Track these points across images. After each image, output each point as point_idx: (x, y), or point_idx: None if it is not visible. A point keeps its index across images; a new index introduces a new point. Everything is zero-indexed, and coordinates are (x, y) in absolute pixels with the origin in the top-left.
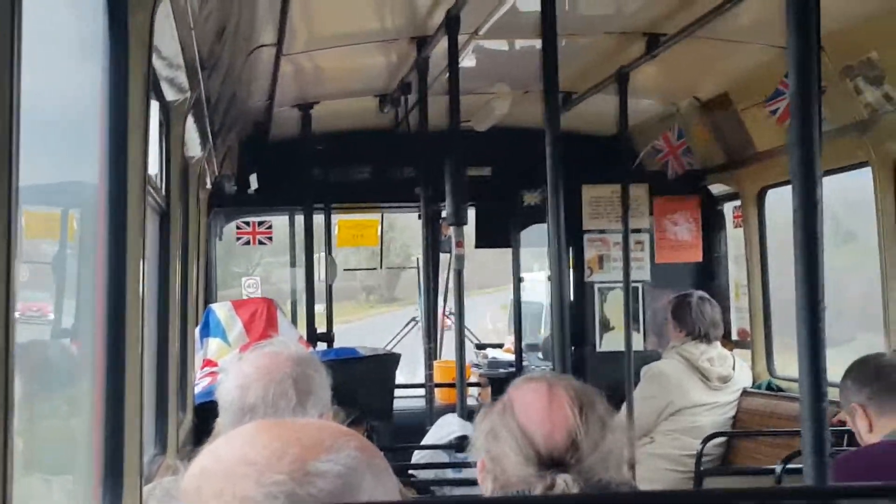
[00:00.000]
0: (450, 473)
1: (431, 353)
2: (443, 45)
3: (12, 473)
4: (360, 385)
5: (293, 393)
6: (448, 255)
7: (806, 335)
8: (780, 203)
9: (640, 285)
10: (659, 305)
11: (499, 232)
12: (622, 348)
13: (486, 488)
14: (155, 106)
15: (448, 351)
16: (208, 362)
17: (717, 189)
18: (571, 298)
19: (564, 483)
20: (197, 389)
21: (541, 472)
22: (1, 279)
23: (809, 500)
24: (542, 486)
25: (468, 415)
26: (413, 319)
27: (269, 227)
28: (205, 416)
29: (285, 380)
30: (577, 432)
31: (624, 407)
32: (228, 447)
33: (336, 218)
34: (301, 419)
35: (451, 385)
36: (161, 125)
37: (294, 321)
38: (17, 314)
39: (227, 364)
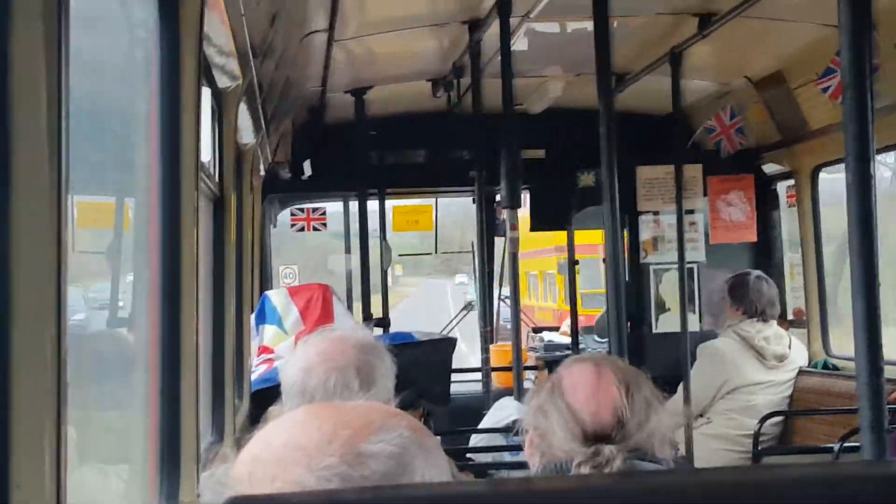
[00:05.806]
0: (507, 457)
1: (488, 337)
2: (495, 28)
3: (66, 464)
4: (417, 370)
5: (355, 382)
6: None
7: (862, 312)
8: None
9: (695, 266)
10: (714, 286)
11: (554, 214)
12: (678, 329)
13: (533, 462)
14: (207, 93)
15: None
16: (264, 349)
17: (770, 168)
18: (627, 280)
19: (609, 452)
20: (253, 376)
21: (585, 446)
22: (52, 269)
23: (867, 477)
24: (585, 455)
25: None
26: (468, 304)
27: (324, 213)
28: (261, 403)
29: (348, 368)
30: (623, 411)
31: (680, 388)
32: (278, 433)
33: (390, 203)
34: (350, 402)
35: (508, 369)
36: (214, 112)
37: (349, 307)
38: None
39: (288, 348)
